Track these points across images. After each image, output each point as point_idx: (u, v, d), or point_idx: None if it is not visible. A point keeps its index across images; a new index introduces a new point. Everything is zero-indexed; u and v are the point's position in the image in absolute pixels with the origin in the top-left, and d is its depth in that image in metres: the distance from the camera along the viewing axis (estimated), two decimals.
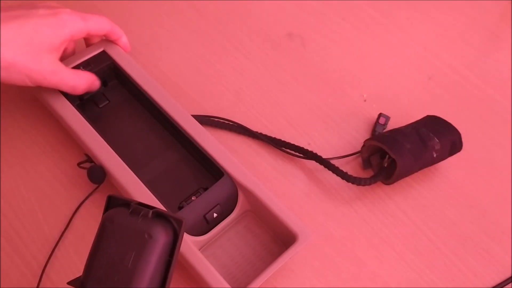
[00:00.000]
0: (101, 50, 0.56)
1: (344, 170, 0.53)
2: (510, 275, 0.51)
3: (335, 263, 0.50)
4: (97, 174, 0.50)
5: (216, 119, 0.58)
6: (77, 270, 0.48)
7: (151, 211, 0.33)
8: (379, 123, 0.59)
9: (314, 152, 0.55)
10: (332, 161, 0.54)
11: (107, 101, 0.56)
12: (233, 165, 0.49)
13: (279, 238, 0.49)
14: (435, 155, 0.53)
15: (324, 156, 0.55)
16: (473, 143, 0.59)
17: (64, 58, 0.55)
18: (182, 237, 0.34)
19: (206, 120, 0.57)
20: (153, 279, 0.33)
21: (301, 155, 0.56)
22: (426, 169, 0.55)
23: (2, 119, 0.57)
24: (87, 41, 0.57)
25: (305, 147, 0.56)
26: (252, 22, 0.68)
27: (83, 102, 0.55)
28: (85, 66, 0.55)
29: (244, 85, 0.62)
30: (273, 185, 0.55)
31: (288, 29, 0.68)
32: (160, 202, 0.46)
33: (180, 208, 0.47)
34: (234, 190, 0.49)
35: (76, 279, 0.34)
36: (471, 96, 0.64)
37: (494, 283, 0.50)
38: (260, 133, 0.58)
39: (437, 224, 0.54)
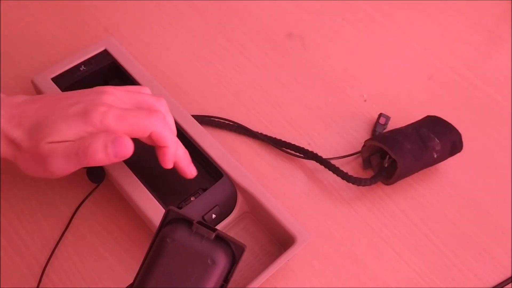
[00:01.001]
0: (102, 49, 0.56)
1: (344, 170, 0.53)
2: (510, 275, 0.51)
3: (335, 263, 0.50)
4: (96, 173, 0.50)
5: (216, 119, 0.58)
6: (77, 270, 0.48)
7: (214, 234, 0.32)
8: (379, 123, 0.59)
9: (314, 152, 0.55)
10: (332, 161, 0.54)
11: None
12: (233, 166, 0.49)
13: (278, 240, 0.49)
14: (435, 156, 0.53)
15: (324, 156, 0.55)
16: (473, 143, 0.59)
17: None
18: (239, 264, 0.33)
19: (206, 120, 0.57)
20: None
21: (301, 155, 0.56)
22: (426, 170, 0.55)
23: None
24: None
25: (305, 147, 0.56)
26: (252, 22, 0.68)
27: None
28: (86, 65, 0.55)
29: (244, 85, 0.62)
30: (273, 185, 0.55)
31: (288, 29, 0.68)
32: (159, 202, 0.46)
33: (179, 208, 0.47)
34: (233, 192, 0.49)
35: None
36: (471, 96, 0.64)
37: (494, 283, 0.50)
38: (260, 133, 0.58)
39: (437, 224, 0.54)
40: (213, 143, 0.51)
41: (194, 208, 0.47)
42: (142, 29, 0.66)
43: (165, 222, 0.33)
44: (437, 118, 0.56)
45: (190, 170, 0.47)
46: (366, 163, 0.56)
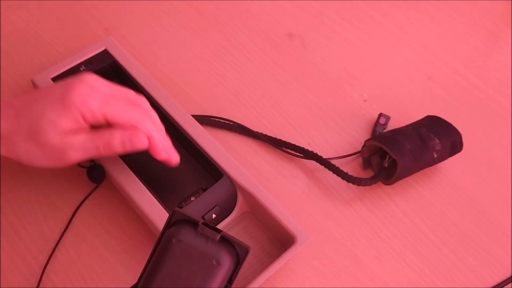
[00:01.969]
0: (102, 49, 0.56)
1: (344, 170, 0.53)
2: (510, 275, 0.51)
3: (335, 263, 0.50)
4: (96, 173, 0.50)
5: (216, 119, 0.58)
6: (77, 270, 0.48)
7: (219, 235, 0.32)
8: (379, 123, 0.59)
9: (314, 152, 0.55)
10: (332, 161, 0.54)
11: None
12: (233, 166, 0.49)
13: (278, 240, 0.49)
14: (435, 156, 0.53)
15: (324, 156, 0.55)
16: (473, 143, 0.59)
17: None
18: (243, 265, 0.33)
19: (206, 120, 0.57)
20: None
21: (301, 155, 0.56)
22: (426, 169, 0.55)
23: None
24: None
25: (305, 147, 0.56)
26: (252, 22, 0.68)
27: None
28: (86, 65, 0.55)
29: (244, 85, 0.62)
30: (273, 185, 0.55)
31: (288, 29, 0.68)
32: (159, 202, 0.46)
33: (179, 208, 0.47)
34: (233, 191, 0.49)
35: None
36: (471, 96, 0.64)
37: (494, 283, 0.50)
38: (260, 133, 0.58)
39: (437, 224, 0.54)
40: (213, 143, 0.51)
41: (194, 208, 0.47)
42: (142, 29, 0.66)
43: (170, 223, 0.33)
44: (437, 118, 0.56)
45: (172, 157, 0.47)
46: (366, 163, 0.56)
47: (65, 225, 0.50)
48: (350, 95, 0.62)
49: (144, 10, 0.67)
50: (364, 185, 0.53)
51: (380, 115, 0.59)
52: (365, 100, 0.62)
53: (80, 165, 0.52)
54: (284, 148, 0.57)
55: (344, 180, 0.53)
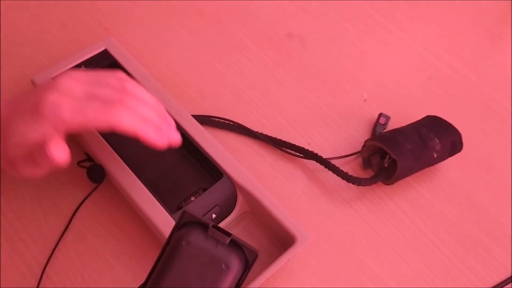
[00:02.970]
0: (102, 49, 0.56)
1: (344, 170, 0.53)
2: (510, 275, 0.51)
3: (335, 263, 0.50)
4: (96, 173, 0.50)
5: (216, 119, 0.58)
6: (77, 270, 0.48)
7: (229, 239, 0.32)
8: (379, 123, 0.59)
9: (314, 152, 0.55)
10: (332, 161, 0.54)
11: None
12: (233, 166, 0.49)
13: (278, 240, 0.49)
14: (435, 156, 0.53)
15: (324, 156, 0.55)
16: (473, 143, 0.59)
17: None
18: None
19: (206, 120, 0.57)
20: None
21: (301, 155, 0.56)
22: (426, 169, 0.55)
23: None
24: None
25: (305, 147, 0.56)
26: (252, 22, 0.68)
27: None
28: (86, 65, 0.55)
29: (244, 85, 0.62)
30: (273, 185, 0.55)
31: (288, 29, 0.68)
32: (159, 202, 0.46)
33: (179, 208, 0.47)
34: (233, 192, 0.49)
35: None
36: (471, 96, 0.64)
37: (494, 283, 0.50)
38: (260, 133, 0.58)
39: (437, 224, 0.54)
40: (213, 143, 0.51)
41: (194, 208, 0.47)
42: (142, 29, 0.66)
43: (180, 224, 0.33)
44: (437, 118, 0.56)
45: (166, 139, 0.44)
46: (366, 163, 0.56)
47: (65, 225, 0.50)
48: (350, 95, 0.62)
49: (144, 10, 0.67)
50: (364, 185, 0.53)
51: (380, 115, 0.59)
52: (365, 100, 0.62)
53: (80, 165, 0.52)
54: (284, 148, 0.57)
55: (344, 180, 0.53)
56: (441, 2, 0.72)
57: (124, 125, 0.41)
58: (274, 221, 0.47)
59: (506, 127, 0.61)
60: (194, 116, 0.54)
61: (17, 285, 0.47)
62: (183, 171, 0.51)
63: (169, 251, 0.32)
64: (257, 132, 0.58)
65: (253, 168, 0.55)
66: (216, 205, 0.48)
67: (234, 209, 0.49)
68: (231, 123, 0.58)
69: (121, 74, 0.45)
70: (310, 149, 0.56)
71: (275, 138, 0.57)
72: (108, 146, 0.50)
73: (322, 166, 0.55)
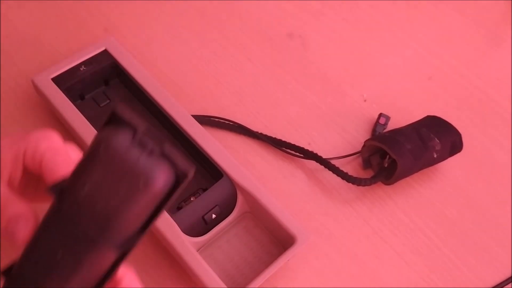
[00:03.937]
0: (102, 49, 0.56)
1: (344, 170, 0.53)
2: (510, 275, 0.51)
3: (335, 263, 0.50)
4: None
5: (216, 119, 0.58)
6: None
7: (159, 148, 0.25)
8: (379, 123, 0.59)
9: (314, 152, 0.55)
10: (332, 161, 0.54)
11: (108, 100, 0.56)
12: (233, 166, 0.49)
13: (278, 240, 0.49)
14: (435, 156, 0.53)
15: (324, 156, 0.55)
16: (473, 143, 0.59)
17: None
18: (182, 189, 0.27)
19: (206, 120, 0.57)
20: (132, 224, 0.27)
21: (301, 155, 0.56)
22: (426, 169, 0.55)
23: (2, 118, 0.57)
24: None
25: (305, 147, 0.56)
26: (252, 22, 0.68)
27: (84, 101, 0.56)
28: (86, 65, 0.55)
29: (244, 85, 0.62)
30: (273, 185, 0.55)
31: (288, 29, 0.68)
32: None
33: (179, 208, 0.47)
34: (233, 192, 0.49)
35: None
36: (471, 96, 0.64)
37: (494, 283, 0.50)
38: (260, 133, 0.58)
39: (437, 224, 0.54)
40: (213, 143, 0.51)
41: (194, 208, 0.47)
42: (142, 29, 0.66)
43: (106, 122, 0.26)
44: (437, 118, 0.56)
45: None
46: (366, 163, 0.56)
47: None
48: (350, 95, 0.62)
49: (144, 10, 0.67)
50: (364, 185, 0.53)
51: (380, 115, 0.59)
52: (365, 100, 0.62)
53: None
54: (284, 148, 0.57)
55: (344, 180, 0.53)
56: (441, 2, 0.72)
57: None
58: (274, 221, 0.47)
59: (506, 127, 0.61)
60: (194, 116, 0.54)
61: None
62: None
63: (88, 154, 0.26)
64: (257, 132, 0.58)
65: (253, 168, 0.55)
66: (216, 205, 0.48)
67: (234, 209, 0.49)
68: (231, 123, 0.58)
69: None
70: (310, 149, 0.56)
71: (275, 138, 0.57)
72: None
73: (322, 166, 0.55)
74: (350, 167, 0.56)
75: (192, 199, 0.48)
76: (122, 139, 0.25)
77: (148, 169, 0.25)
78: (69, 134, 0.54)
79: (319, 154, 0.55)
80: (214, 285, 0.43)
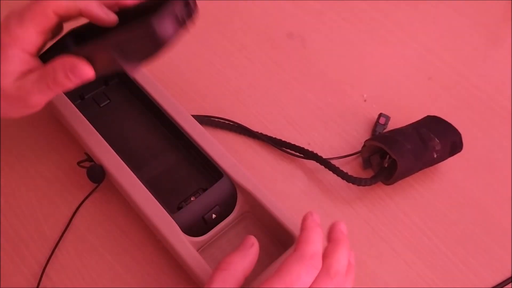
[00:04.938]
0: None
1: (344, 170, 0.53)
2: (510, 275, 0.51)
3: None
4: (96, 173, 0.50)
5: (216, 119, 0.58)
6: (77, 270, 0.48)
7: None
8: (379, 123, 0.59)
9: (314, 152, 0.55)
10: (332, 161, 0.54)
11: (108, 101, 0.56)
12: (233, 166, 0.49)
13: (278, 240, 0.49)
14: (435, 156, 0.53)
15: (324, 156, 0.55)
16: (473, 143, 0.59)
17: None
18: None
19: (206, 120, 0.57)
20: None
21: (301, 155, 0.56)
22: (426, 169, 0.55)
23: (2, 118, 0.57)
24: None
25: (305, 147, 0.56)
26: (252, 22, 0.68)
27: (84, 101, 0.56)
28: None
29: (244, 85, 0.62)
30: (273, 185, 0.55)
31: (288, 29, 0.68)
32: (159, 202, 0.46)
33: (179, 208, 0.47)
34: (233, 191, 0.49)
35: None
36: (471, 96, 0.64)
37: (494, 283, 0.50)
38: (260, 133, 0.58)
39: (437, 224, 0.54)
40: (213, 143, 0.51)
41: (194, 208, 0.47)
42: None
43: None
44: (437, 118, 0.56)
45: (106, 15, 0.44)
46: (366, 163, 0.56)
47: (65, 225, 0.50)
48: (350, 95, 0.62)
49: None
50: (364, 185, 0.53)
51: (380, 115, 0.59)
52: (365, 100, 0.62)
53: (80, 165, 0.52)
54: (284, 148, 0.57)
55: (344, 180, 0.53)
56: (441, 2, 0.73)
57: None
58: (274, 221, 0.47)
59: (506, 127, 0.61)
60: (194, 116, 0.54)
61: (17, 285, 0.47)
62: (183, 171, 0.51)
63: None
64: (257, 132, 0.58)
65: (253, 168, 0.55)
66: (216, 205, 0.48)
67: (234, 209, 0.49)
68: (231, 123, 0.58)
69: None
70: (310, 149, 0.56)
71: (275, 138, 0.57)
72: (108, 146, 0.50)
73: (322, 166, 0.55)
74: (350, 167, 0.56)
75: (192, 199, 0.48)
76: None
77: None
78: (69, 134, 0.54)
79: (319, 154, 0.55)
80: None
